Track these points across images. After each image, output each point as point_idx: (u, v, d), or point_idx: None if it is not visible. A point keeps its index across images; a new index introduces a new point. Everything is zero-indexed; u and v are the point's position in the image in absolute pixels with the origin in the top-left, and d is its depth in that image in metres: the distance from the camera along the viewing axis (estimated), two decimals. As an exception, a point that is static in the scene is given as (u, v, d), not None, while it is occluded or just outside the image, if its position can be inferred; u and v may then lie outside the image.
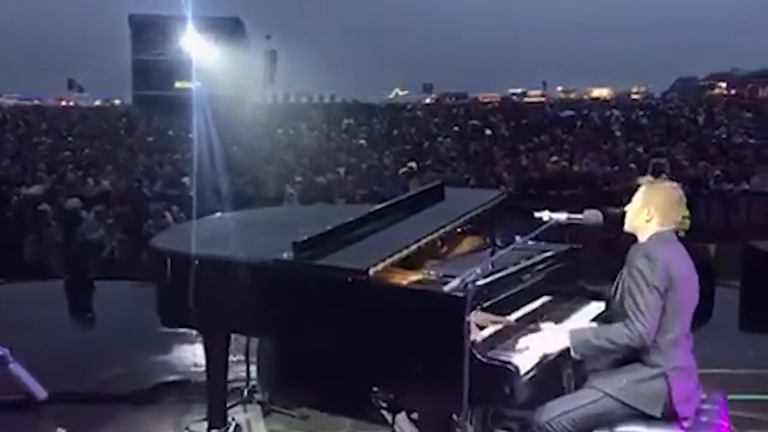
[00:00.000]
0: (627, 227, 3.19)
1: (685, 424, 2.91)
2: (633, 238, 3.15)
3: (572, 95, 50.18)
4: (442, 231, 3.47)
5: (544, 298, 3.58)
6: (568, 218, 3.19)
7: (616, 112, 31.02)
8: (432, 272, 3.24)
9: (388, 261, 3.04)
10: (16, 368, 4.27)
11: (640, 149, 18.36)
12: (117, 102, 45.90)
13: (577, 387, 3.19)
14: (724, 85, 50.19)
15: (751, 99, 39.59)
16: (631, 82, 55.20)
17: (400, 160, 17.06)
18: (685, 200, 3.21)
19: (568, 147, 19.35)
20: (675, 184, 3.30)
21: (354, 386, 3.13)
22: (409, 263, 3.29)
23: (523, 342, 2.96)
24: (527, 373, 2.79)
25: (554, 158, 16.71)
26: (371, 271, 2.93)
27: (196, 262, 3.41)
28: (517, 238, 3.21)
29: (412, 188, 14.39)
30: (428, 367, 2.76)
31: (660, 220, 3.09)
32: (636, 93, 49.89)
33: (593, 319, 3.55)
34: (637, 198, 3.18)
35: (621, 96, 48.78)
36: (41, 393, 4.41)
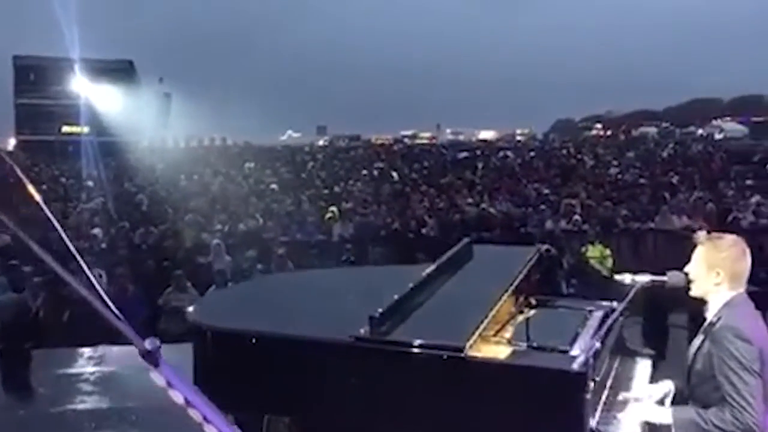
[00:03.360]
0: (695, 293, 3.05)
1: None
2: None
3: (461, 137, 51.75)
4: (507, 293, 3.29)
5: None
6: (653, 280, 3.10)
7: (508, 153, 32.18)
8: (518, 342, 3.04)
9: (478, 332, 2.83)
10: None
11: (547, 190, 18.98)
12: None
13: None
14: (600, 125, 53.39)
15: (627, 139, 42.18)
16: (514, 124, 57.65)
17: (317, 204, 16.80)
18: (749, 253, 3.08)
19: (479, 188, 19.75)
20: (736, 238, 3.12)
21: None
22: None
23: (623, 417, 2.82)
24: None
25: (470, 200, 16.96)
26: (467, 346, 2.71)
27: (253, 340, 3.03)
28: (615, 304, 3.08)
29: (335, 233, 14.32)
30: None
31: (731, 283, 2.97)
32: (520, 134, 52.08)
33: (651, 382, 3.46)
34: (700, 259, 3.03)
35: (506, 137, 50.78)
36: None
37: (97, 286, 1.34)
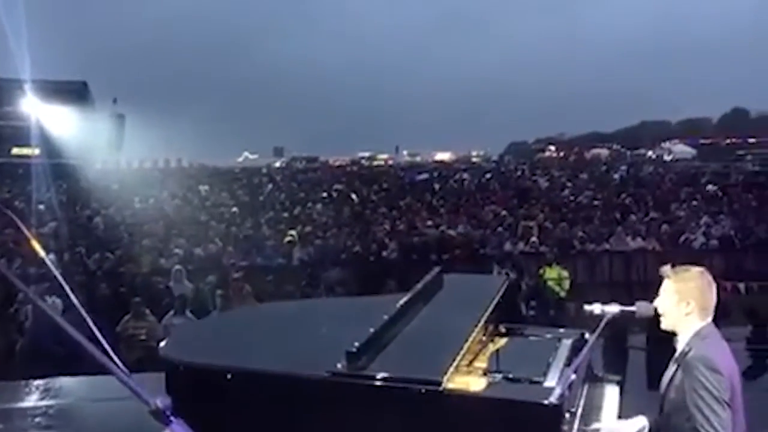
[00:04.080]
0: (665, 325, 3.11)
1: None
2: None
3: (418, 158, 52.14)
4: (480, 324, 3.33)
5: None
6: (622, 311, 3.16)
7: (465, 175, 32.50)
8: (493, 374, 3.06)
9: (454, 365, 2.86)
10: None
11: (504, 212, 19.20)
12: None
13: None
14: (553, 147, 54.40)
15: (580, 161, 42.98)
16: (470, 145, 58.37)
17: (277, 228, 16.70)
18: (714, 283, 3.17)
19: (437, 210, 19.88)
20: (702, 270, 3.21)
21: None
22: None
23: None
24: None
25: (429, 222, 17.07)
26: (444, 379, 2.73)
27: (229, 376, 2.98)
28: (585, 333, 3.13)
29: (295, 257, 14.24)
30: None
31: (700, 312, 3.04)
32: (476, 156, 52.73)
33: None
34: (670, 291, 3.09)
35: (462, 159, 51.32)
36: None
37: (107, 347, 1.33)
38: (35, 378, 7.46)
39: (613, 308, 3.16)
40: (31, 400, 7.01)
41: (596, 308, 3.17)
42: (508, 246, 15.24)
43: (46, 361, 7.71)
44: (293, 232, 15.07)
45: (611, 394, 3.68)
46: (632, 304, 3.19)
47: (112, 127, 30.94)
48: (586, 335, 3.11)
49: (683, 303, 3.04)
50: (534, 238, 15.23)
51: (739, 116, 57.79)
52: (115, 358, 1.27)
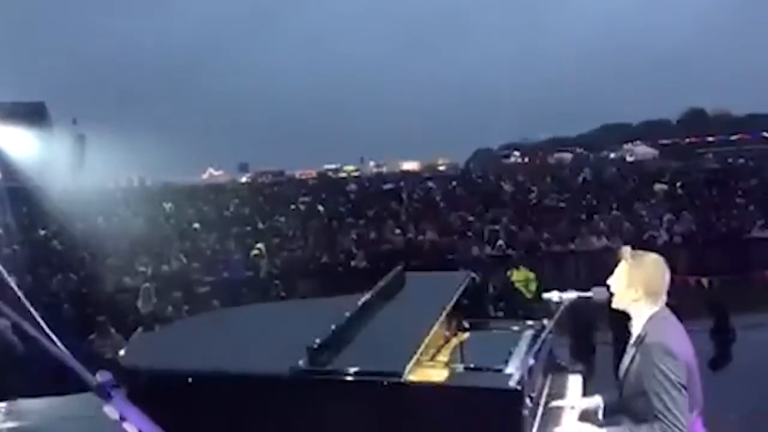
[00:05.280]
0: (615, 305, 3.16)
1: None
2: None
3: (384, 169, 52.27)
4: (441, 318, 3.34)
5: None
6: (579, 296, 3.20)
7: (430, 183, 32.62)
8: (454, 365, 3.07)
9: (415, 357, 2.86)
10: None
11: (471, 218, 19.30)
12: None
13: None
14: (518, 153, 54.96)
15: (544, 166, 43.46)
16: (435, 154, 58.69)
17: (243, 242, 16.56)
18: (668, 271, 3.21)
19: (404, 219, 19.90)
20: (656, 256, 3.23)
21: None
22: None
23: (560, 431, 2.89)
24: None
25: (397, 230, 17.08)
26: (406, 371, 2.73)
27: (189, 380, 2.95)
28: (545, 321, 3.15)
29: (263, 269, 14.14)
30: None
31: (648, 298, 3.08)
32: (442, 164, 53.03)
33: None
34: (621, 274, 3.14)
35: (429, 167, 51.58)
36: None
37: (43, 324, 1.32)
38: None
39: (571, 294, 3.20)
40: (-6, 423, 6.85)
41: (554, 296, 3.21)
42: (475, 250, 15.32)
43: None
44: (260, 246, 14.97)
45: (574, 382, 3.71)
46: (588, 290, 3.23)
47: (72, 148, 30.49)
48: (545, 322, 3.13)
49: (632, 288, 3.08)
50: (501, 242, 15.33)
51: (696, 116, 59.05)
52: (56, 339, 1.25)
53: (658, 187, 23.29)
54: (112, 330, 9.40)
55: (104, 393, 1.21)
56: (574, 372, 3.87)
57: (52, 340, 1.25)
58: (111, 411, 1.23)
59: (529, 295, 12.56)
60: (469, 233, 16.93)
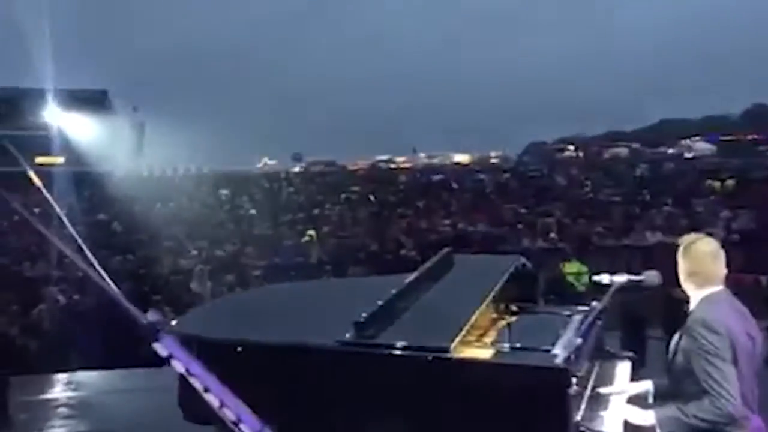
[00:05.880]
0: (683, 289, 3.16)
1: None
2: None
3: (436, 161, 51.99)
4: (489, 298, 3.35)
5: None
6: (629, 280, 3.17)
7: (483, 175, 32.41)
8: (500, 344, 3.08)
9: (462, 333, 2.88)
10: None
11: (523, 210, 19.15)
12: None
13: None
14: (572, 148, 53.99)
15: (599, 160, 42.68)
16: (488, 147, 58.12)
17: (295, 228, 16.79)
18: (721, 253, 3.16)
19: (455, 209, 19.87)
20: (707, 239, 3.22)
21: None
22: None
23: (606, 414, 2.88)
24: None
25: (447, 221, 17.07)
26: (452, 347, 2.75)
27: (239, 349, 3.04)
28: (594, 303, 3.14)
29: (314, 255, 14.32)
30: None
31: (696, 284, 3.07)
32: (495, 157, 52.47)
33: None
34: (679, 262, 3.14)
35: (481, 160, 51.11)
36: None
37: (101, 270, 1.40)
38: (57, 372, 7.61)
39: (622, 278, 3.18)
40: (54, 393, 7.14)
41: (605, 278, 3.19)
42: (526, 242, 15.19)
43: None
44: (311, 232, 15.15)
45: (623, 368, 3.68)
46: (640, 274, 3.20)
47: (132, 134, 31.33)
48: (594, 304, 3.11)
49: (685, 273, 3.10)
50: (553, 234, 15.17)
51: (760, 112, 57.07)
52: (109, 281, 1.33)
53: (716, 183, 22.69)
54: (166, 309, 9.64)
55: (153, 332, 1.27)
56: (622, 359, 3.83)
57: (109, 284, 1.33)
58: (160, 349, 1.29)
59: (581, 288, 12.41)
60: (521, 225, 16.81)
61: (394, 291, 3.25)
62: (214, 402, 1.30)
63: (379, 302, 3.08)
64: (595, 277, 3.20)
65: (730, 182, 22.77)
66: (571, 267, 12.46)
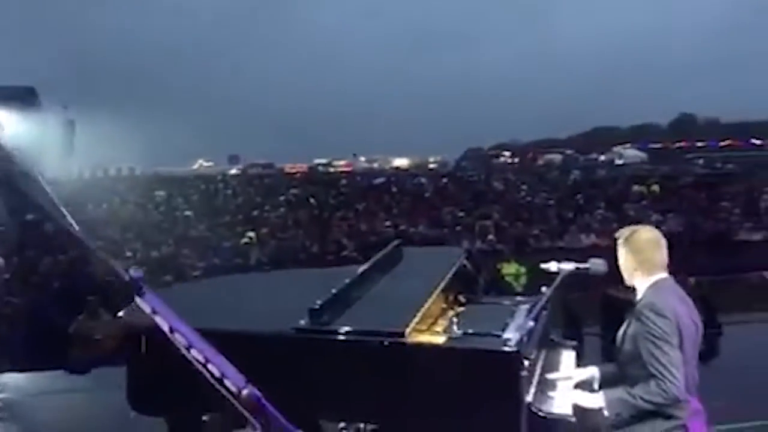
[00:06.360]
0: (627, 282, 3.25)
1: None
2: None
3: (375, 165, 52.10)
4: (441, 285, 3.38)
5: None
6: (576, 267, 3.24)
7: (423, 179, 32.66)
8: (452, 331, 3.10)
9: (416, 319, 2.90)
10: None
11: (461, 213, 19.40)
12: None
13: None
14: (508, 153, 55.02)
15: (534, 166, 43.58)
16: (427, 152, 58.66)
17: (233, 230, 16.57)
18: (663, 241, 3.27)
19: (395, 212, 19.97)
20: (647, 227, 3.34)
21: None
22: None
23: (556, 395, 2.94)
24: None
25: (388, 222, 17.14)
26: (407, 332, 2.77)
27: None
28: (543, 289, 3.18)
29: (253, 257, 14.14)
30: (485, 427, 2.63)
31: (643, 270, 3.16)
32: (433, 162, 52.97)
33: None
34: (619, 254, 3.23)
35: (420, 165, 51.49)
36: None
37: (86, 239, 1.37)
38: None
39: (569, 265, 3.24)
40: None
41: (552, 266, 3.25)
42: (466, 244, 15.37)
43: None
44: (251, 234, 14.99)
45: (568, 356, 3.76)
46: (586, 262, 3.28)
47: (61, 133, 30.34)
48: (543, 289, 3.17)
49: (629, 261, 3.17)
50: (491, 236, 15.40)
51: (687, 121, 59.46)
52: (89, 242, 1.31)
53: (646, 188, 23.48)
54: (101, 310, 9.35)
55: (137, 287, 1.26)
56: (567, 347, 3.92)
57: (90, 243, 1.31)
58: (143, 304, 1.28)
59: (519, 288, 12.63)
60: (460, 227, 17.03)
61: (347, 280, 3.24)
62: (198, 357, 1.29)
63: (333, 291, 3.07)
64: (543, 265, 3.25)
65: (654, 187, 23.64)
66: (509, 268, 12.70)
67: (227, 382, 1.30)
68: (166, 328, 1.28)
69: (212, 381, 1.28)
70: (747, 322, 10.18)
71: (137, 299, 1.28)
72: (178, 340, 1.29)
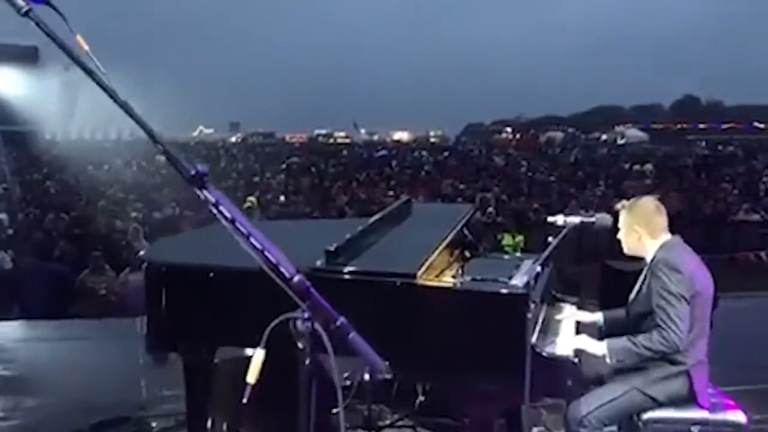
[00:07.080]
0: (628, 252, 3.36)
1: (706, 405, 3.16)
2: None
3: (375, 137, 52.15)
4: (450, 235, 3.48)
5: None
6: (582, 221, 3.34)
7: (424, 153, 32.71)
8: (461, 275, 3.20)
9: (427, 263, 3.00)
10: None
11: (462, 186, 19.47)
12: None
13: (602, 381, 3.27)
14: (509, 129, 55.01)
15: (535, 143, 43.58)
16: (427, 126, 58.60)
17: (235, 195, 16.62)
18: (663, 207, 3.37)
19: (396, 183, 20.04)
20: (647, 196, 3.49)
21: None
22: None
23: (559, 339, 3.05)
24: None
25: (390, 193, 17.20)
26: (419, 274, 2.87)
27: (211, 274, 3.09)
28: (550, 239, 3.28)
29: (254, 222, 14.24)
30: (491, 366, 2.75)
31: (649, 234, 3.26)
32: (433, 137, 53.01)
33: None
34: (621, 224, 3.35)
35: (420, 139, 51.52)
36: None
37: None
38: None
39: (575, 219, 3.35)
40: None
41: (559, 219, 3.36)
42: (465, 216, 15.49)
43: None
44: (252, 198, 15.01)
45: (569, 310, 3.87)
46: (592, 216, 3.38)
47: (63, 94, 30.17)
48: (549, 239, 3.26)
49: (633, 230, 3.28)
50: (491, 209, 15.49)
51: (690, 103, 59.35)
52: (156, 135, 1.42)
53: (646, 167, 23.57)
54: (106, 265, 9.46)
55: (201, 181, 1.36)
56: (569, 302, 4.02)
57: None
58: (207, 196, 1.38)
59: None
60: (460, 199, 17.08)
61: (360, 228, 3.34)
62: (256, 245, 1.42)
63: (347, 236, 3.16)
64: (550, 218, 3.36)
65: (648, 166, 23.77)
66: (508, 239, 12.84)
67: (281, 268, 1.43)
68: (228, 217, 1.39)
69: (268, 267, 1.41)
70: (741, 297, 10.33)
71: (200, 191, 1.38)
72: (239, 229, 1.41)
